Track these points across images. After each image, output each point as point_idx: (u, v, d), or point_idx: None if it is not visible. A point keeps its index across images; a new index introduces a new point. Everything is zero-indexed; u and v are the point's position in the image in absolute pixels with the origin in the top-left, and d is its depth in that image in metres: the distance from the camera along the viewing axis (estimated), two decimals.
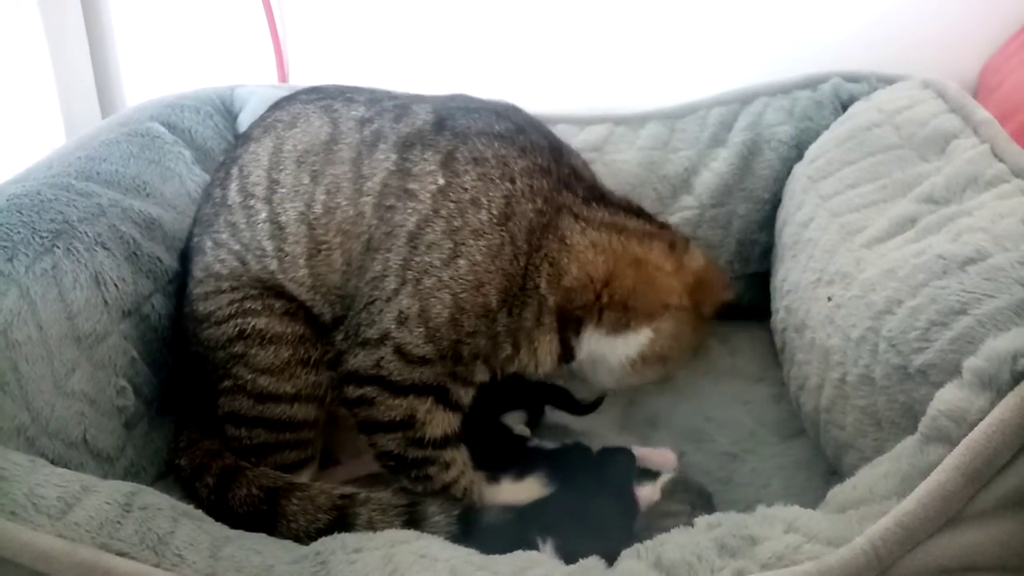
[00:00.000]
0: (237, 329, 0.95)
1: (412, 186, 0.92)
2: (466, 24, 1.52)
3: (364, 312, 0.92)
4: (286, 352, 0.95)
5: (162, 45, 1.65)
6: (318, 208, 0.94)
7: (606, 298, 0.94)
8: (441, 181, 0.91)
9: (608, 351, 0.96)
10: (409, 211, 0.91)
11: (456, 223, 0.90)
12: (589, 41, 1.51)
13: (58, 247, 0.94)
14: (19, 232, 0.92)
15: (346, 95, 1.01)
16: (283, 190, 0.96)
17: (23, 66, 1.52)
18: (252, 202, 0.98)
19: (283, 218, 0.96)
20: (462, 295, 0.90)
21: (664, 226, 1.01)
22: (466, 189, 0.91)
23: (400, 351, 0.90)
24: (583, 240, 0.93)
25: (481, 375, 0.95)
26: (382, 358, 0.91)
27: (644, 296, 0.94)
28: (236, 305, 0.96)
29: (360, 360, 0.92)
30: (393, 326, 0.90)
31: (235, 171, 1.00)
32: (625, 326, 0.95)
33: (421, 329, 0.90)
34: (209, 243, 1.00)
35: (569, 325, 0.95)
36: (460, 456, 0.96)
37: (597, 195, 0.97)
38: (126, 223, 1.04)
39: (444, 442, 0.94)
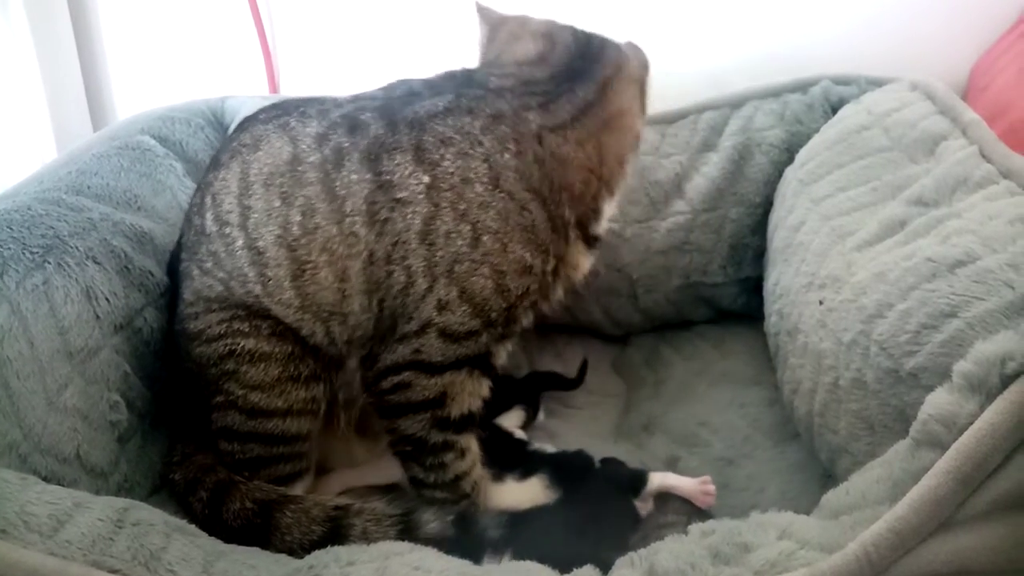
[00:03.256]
0: (227, 348, 0.96)
1: (401, 195, 0.91)
2: (457, 32, 1.53)
3: (400, 319, 0.92)
4: (276, 369, 0.95)
5: (152, 57, 1.66)
6: (296, 230, 0.93)
7: (606, 172, 1.00)
8: (426, 179, 0.91)
9: (622, 196, 1.06)
10: (409, 215, 0.91)
11: (461, 206, 0.91)
12: None
13: (49, 262, 0.94)
14: (9, 248, 0.92)
15: (300, 109, 1.00)
16: (256, 215, 0.95)
17: (13, 80, 1.52)
18: (228, 230, 0.97)
19: (260, 243, 0.95)
20: (497, 263, 0.92)
21: (593, 59, 1.02)
22: (452, 173, 0.91)
23: (444, 333, 0.91)
24: (569, 146, 0.97)
25: (527, 321, 0.98)
26: (422, 344, 0.92)
27: (627, 140, 1.03)
28: (225, 325, 0.96)
29: (398, 353, 0.92)
30: (434, 314, 0.91)
31: (208, 200, 1.00)
32: (624, 172, 1.03)
33: (465, 307, 0.91)
34: (196, 270, 0.99)
35: (588, 220, 1.01)
36: (474, 446, 0.97)
37: (544, 90, 0.98)
38: (117, 237, 1.04)
39: (465, 423, 0.95)
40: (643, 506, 0.99)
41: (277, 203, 0.94)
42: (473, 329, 0.92)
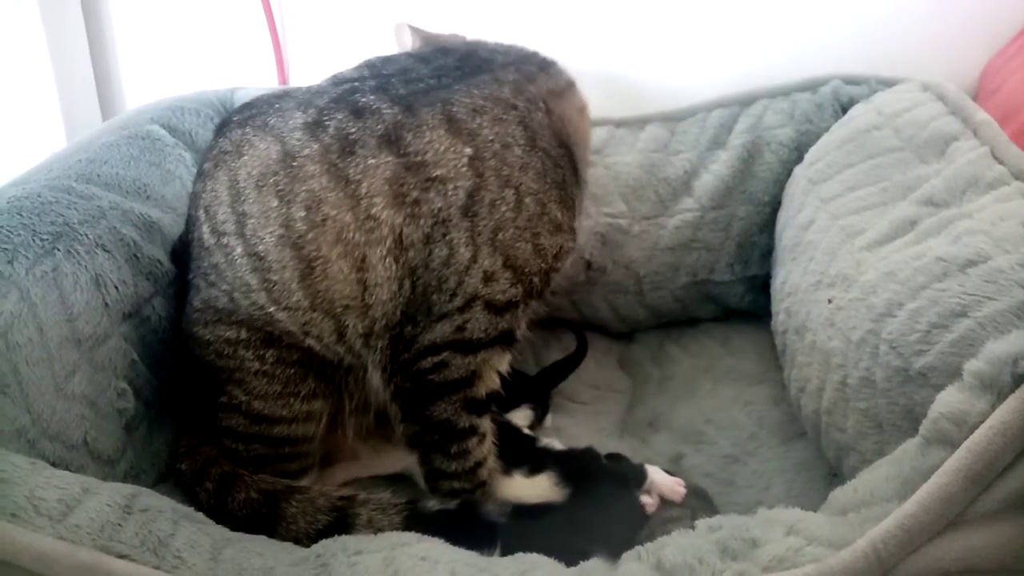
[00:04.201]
0: (233, 364, 0.96)
1: (438, 172, 0.90)
2: (466, 26, 1.52)
3: (435, 294, 0.91)
4: (278, 386, 0.96)
5: (162, 47, 1.66)
6: (300, 226, 0.91)
7: (589, 150, 1.07)
8: (468, 150, 0.90)
9: None
10: (451, 192, 0.90)
11: (505, 172, 0.91)
12: (589, 44, 1.51)
13: (58, 249, 0.94)
14: (19, 234, 0.92)
15: (275, 106, 0.98)
16: (253, 220, 0.93)
17: (24, 69, 1.52)
18: (226, 240, 0.95)
19: (261, 248, 0.93)
20: (534, 225, 0.93)
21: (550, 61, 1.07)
22: (492, 140, 0.91)
23: (489, 305, 0.92)
24: (573, 110, 1.00)
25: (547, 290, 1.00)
26: (467, 320, 0.92)
27: (590, 135, 1.09)
28: (231, 348, 0.96)
29: (437, 331, 0.92)
30: (481, 286, 0.91)
31: (201, 213, 0.98)
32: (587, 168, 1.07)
33: (509, 274, 0.92)
34: (202, 283, 0.98)
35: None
36: (490, 431, 0.98)
37: (537, 62, 1.02)
38: (127, 225, 1.04)
39: (488, 403, 0.97)
40: (651, 502, 0.98)
41: (274, 203, 0.92)
42: (514, 299, 0.93)
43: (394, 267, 0.91)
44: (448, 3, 1.53)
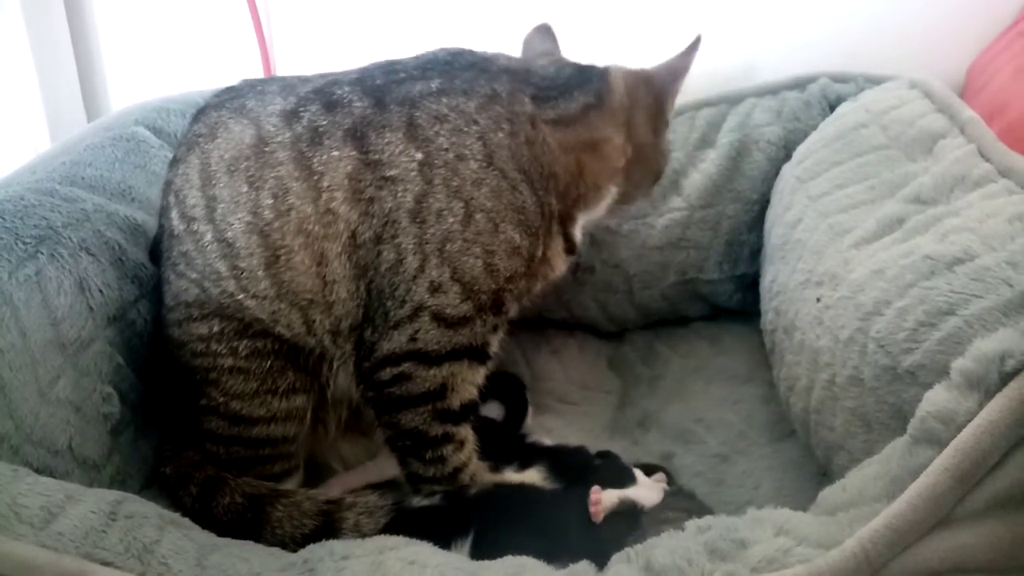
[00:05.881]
0: (208, 363, 0.95)
1: (391, 172, 0.90)
2: (454, 24, 1.52)
3: (389, 300, 0.91)
4: (254, 383, 0.95)
5: (147, 48, 1.65)
6: (267, 214, 0.91)
7: (583, 187, 1.01)
8: (419, 155, 0.90)
9: (591, 220, 1.06)
10: (400, 193, 0.90)
11: (455, 183, 0.90)
12: (576, 43, 1.50)
13: (42, 253, 0.93)
14: (2, 238, 0.91)
15: (256, 89, 0.98)
16: (223, 205, 0.93)
17: (7, 69, 1.51)
18: (195, 225, 0.94)
19: (229, 234, 0.92)
20: (487, 243, 0.91)
21: (583, 70, 1.03)
22: (446, 149, 0.91)
23: (437, 317, 0.90)
24: (554, 143, 0.97)
25: (513, 310, 0.98)
26: (418, 330, 0.90)
27: (605, 169, 1.02)
28: (203, 345, 0.95)
29: (394, 340, 0.91)
30: (427, 296, 0.90)
31: (172, 198, 0.98)
32: (600, 198, 1.03)
33: (457, 288, 0.90)
34: (172, 275, 0.98)
35: (567, 222, 1.01)
36: (470, 436, 0.97)
37: (538, 83, 0.99)
38: (111, 228, 1.03)
39: (465, 413, 0.95)
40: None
41: (244, 188, 0.92)
42: (466, 314, 0.91)
43: (348, 265, 0.91)
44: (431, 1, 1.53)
